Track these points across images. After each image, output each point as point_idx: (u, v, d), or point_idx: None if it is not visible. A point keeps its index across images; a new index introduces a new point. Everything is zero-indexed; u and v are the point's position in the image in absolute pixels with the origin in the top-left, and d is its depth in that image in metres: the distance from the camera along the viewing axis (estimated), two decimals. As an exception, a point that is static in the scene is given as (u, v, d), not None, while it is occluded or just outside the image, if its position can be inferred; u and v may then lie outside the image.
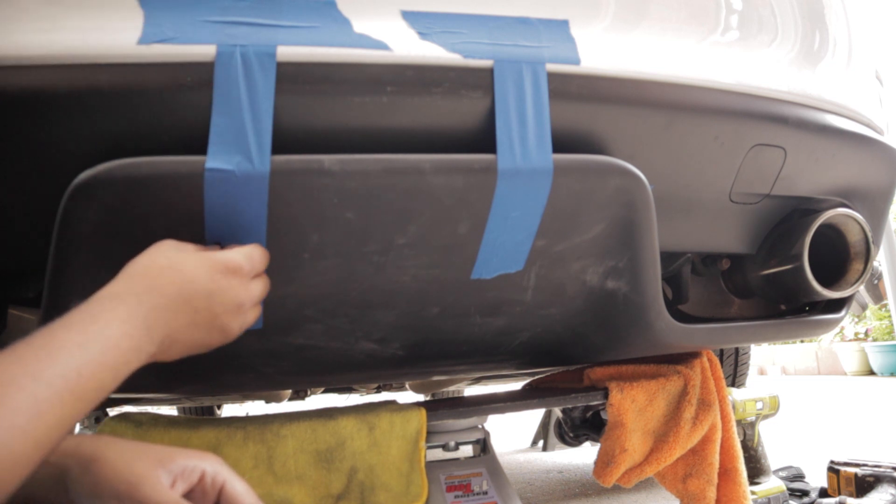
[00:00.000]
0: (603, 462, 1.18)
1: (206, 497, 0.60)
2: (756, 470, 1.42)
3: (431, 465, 1.11)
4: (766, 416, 1.46)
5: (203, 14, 0.67)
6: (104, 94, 0.65)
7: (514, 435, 3.35)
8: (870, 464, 1.41)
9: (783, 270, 1.04)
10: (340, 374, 1.09)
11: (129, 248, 0.70)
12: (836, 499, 1.35)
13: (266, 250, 0.67)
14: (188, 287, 0.58)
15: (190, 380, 0.97)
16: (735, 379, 1.94)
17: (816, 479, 1.69)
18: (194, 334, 0.60)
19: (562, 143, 0.77)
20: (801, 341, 7.12)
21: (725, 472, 1.21)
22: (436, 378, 2.05)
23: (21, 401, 0.41)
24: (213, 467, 0.61)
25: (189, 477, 0.59)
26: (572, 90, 0.77)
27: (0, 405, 0.40)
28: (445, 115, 0.74)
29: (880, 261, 3.99)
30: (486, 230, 0.78)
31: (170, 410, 2.90)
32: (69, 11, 0.65)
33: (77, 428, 2.18)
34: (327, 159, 0.68)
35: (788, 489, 1.55)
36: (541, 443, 2.87)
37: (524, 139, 0.73)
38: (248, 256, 0.64)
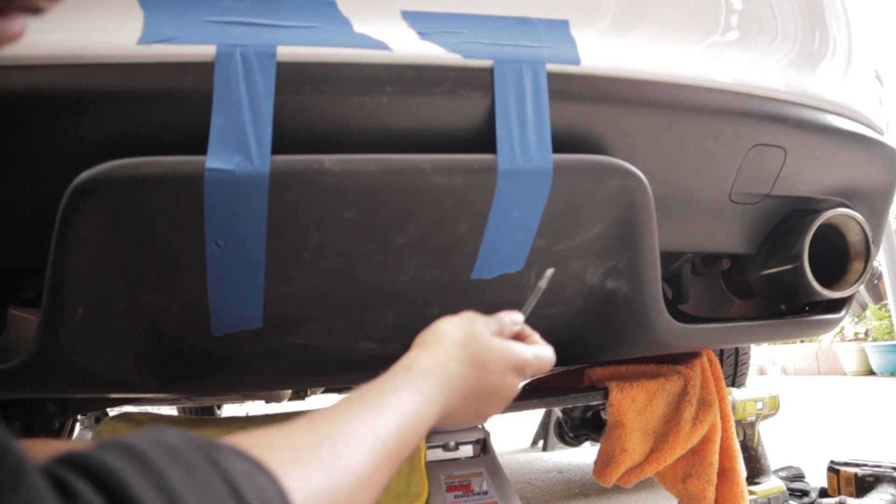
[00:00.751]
0: (603, 462, 1.18)
1: None
2: (756, 470, 1.42)
3: (431, 465, 1.11)
4: (766, 416, 1.46)
5: (203, 14, 0.67)
6: (104, 94, 0.65)
7: (514, 435, 3.35)
8: (870, 464, 1.41)
9: (783, 270, 1.04)
10: (340, 374, 1.08)
11: (129, 248, 0.70)
12: (837, 499, 1.35)
13: (547, 353, 0.67)
14: (487, 382, 0.59)
15: (190, 380, 0.97)
16: (735, 379, 1.94)
17: (816, 479, 1.69)
18: (465, 416, 0.61)
19: (562, 143, 0.76)
20: (801, 341, 7.12)
21: (724, 472, 1.21)
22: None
23: (364, 454, 0.43)
24: None
25: None
26: (572, 90, 0.77)
27: (347, 455, 0.41)
28: (445, 115, 0.74)
29: (880, 261, 3.99)
30: (487, 230, 0.78)
31: (170, 410, 2.90)
32: (69, 11, 0.65)
33: (77, 428, 2.18)
34: (327, 159, 0.68)
35: (788, 489, 1.55)
36: (541, 443, 2.87)
37: (524, 139, 0.73)
38: (537, 357, 0.64)
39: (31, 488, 0.25)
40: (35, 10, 0.32)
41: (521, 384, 0.66)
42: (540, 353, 0.65)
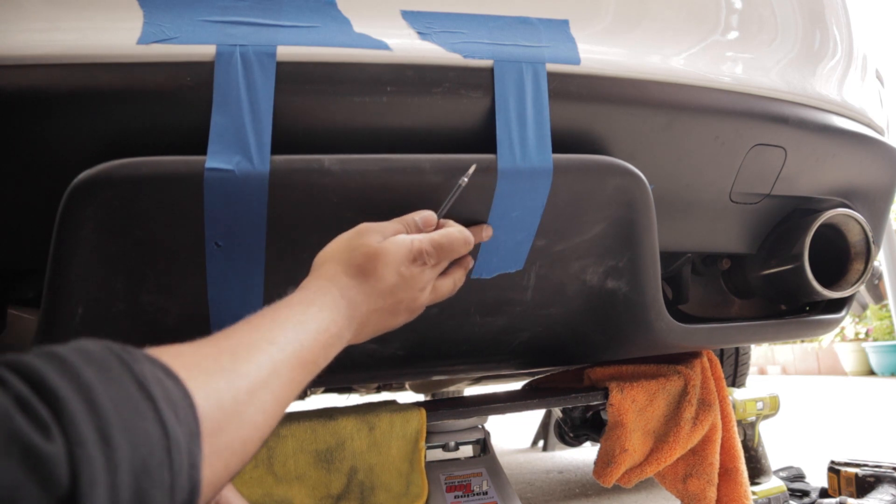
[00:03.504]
0: (603, 462, 1.18)
1: None
2: (756, 470, 1.42)
3: (431, 465, 1.11)
4: (766, 416, 1.46)
5: (203, 14, 0.67)
6: (104, 94, 0.65)
7: (514, 435, 3.35)
8: (870, 464, 1.41)
9: (783, 270, 1.04)
10: (340, 374, 1.08)
11: (129, 248, 0.70)
12: (837, 499, 1.35)
13: (451, 232, 0.67)
14: (384, 283, 0.62)
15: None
16: (735, 379, 1.93)
17: (817, 479, 1.68)
18: (384, 319, 0.64)
19: (562, 143, 0.76)
20: (802, 341, 7.11)
21: (726, 472, 1.21)
22: (436, 378, 2.05)
23: (262, 359, 0.47)
24: None
25: None
26: (572, 90, 0.77)
27: (246, 361, 0.46)
28: (445, 115, 0.74)
29: (880, 261, 3.99)
30: (486, 230, 0.78)
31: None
32: (69, 11, 0.65)
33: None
34: (327, 159, 0.68)
35: (789, 489, 1.55)
36: (541, 443, 2.87)
37: (524, 139, 0.73)
38: (434, 241, 0.65)
39: None
40: None
41: (431, 272, 0.66)
42: (440, 236, 0.66)
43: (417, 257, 0.63)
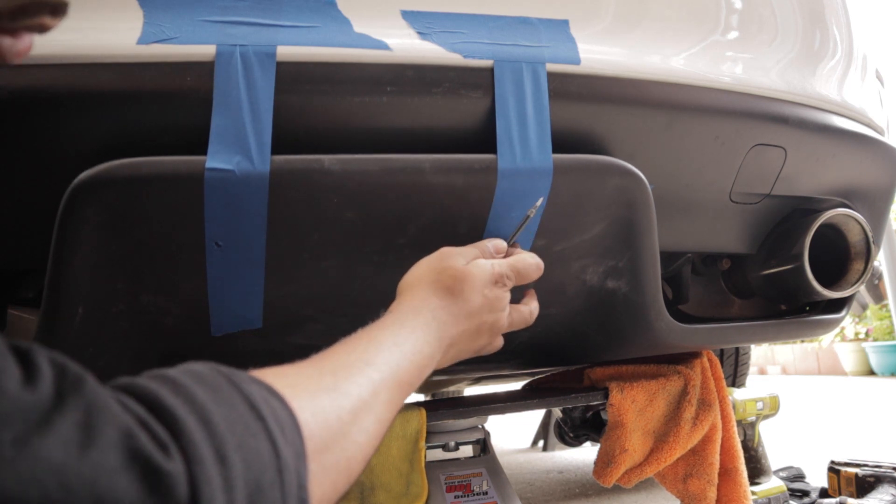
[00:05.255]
0: (603, 462, 1.18)
1: None
2: (756, 470, 1.42)
3: (431, 465, 1.11)
4: (766, 416, 1.46)
5: (203, 14, 0.67)
6: (104, 94, 0.65)
7: (514, 435, 3.35)
8: (870, 464, 1.41)
9: (783, 270, 1.04)
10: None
11: (129, 248, 0.70)
12: (837, 499, 1.35)
13: (525, 258, 0.71)
14: (470, 304, 0.64)
15: (190, 380, 0.97)
16: (735, 379, 1.93)
17: (817, 479, 1.69)
18: (468, 341, 0.66)
19: (562, 143, 0.76)
20: (802, 341, 7.11)
21: (726, 472, 1.21)
22: (436, 378, 2.05)
23: (361, 380, 0.47)
24: None
25: None
26: (572, 90, 0.77)
27: (346, 381, 0.46)
28: (445, 115, 0.74)
29: (880, 261, 3.99)
30: (487, 230, 0.78)
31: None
32: (68, 11, 0.65)
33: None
34: (327, 159, 0.68)
35: (789, 489, 1.55)
36: (541, 443, 2.87)
37: (524, 139, 0.73)
38: (513, 266, 0.69)
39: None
40: (41, 28, 0.35)
41: (507, 296, 0.70)
42: (515, 261, 0.70)
43: (499, 280, 0.67)
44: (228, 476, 0.32)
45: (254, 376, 0.40)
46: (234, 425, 0.34)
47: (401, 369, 0.52)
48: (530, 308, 0.74)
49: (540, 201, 0.73)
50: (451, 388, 2.73)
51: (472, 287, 0.64)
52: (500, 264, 0.68)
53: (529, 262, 0.70)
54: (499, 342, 0.71)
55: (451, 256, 0.66)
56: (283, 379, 0.42)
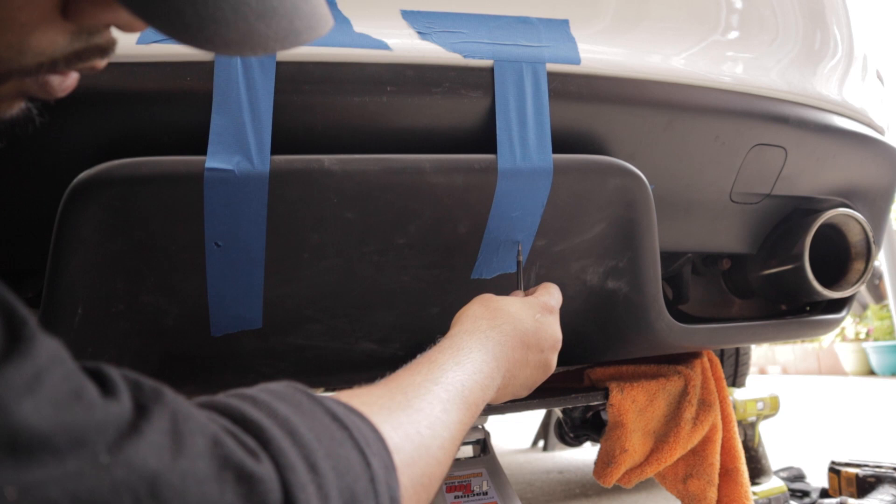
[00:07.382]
0: (603, 462, 1.18)
1: None
2: (757, 470, 1.42)
3: (431, 466, 1.11)
4: (766, 417, 1.46)
5: (203, 14, 0.67)
6: (103, 94, 0.65)
7: (514, 435, 3.35)
8: (871, 464, 1.41)
9: (784, 270, 1.04)
10: (340, 374, 1.08)
11: (129, 248, 0.70)
12: (837, 499, 1.34)
13: (553, 288, 0.76)
14: (520, 326, 0.65)
15: (190, 380, 0.97)
16: (735, 379, 1.93)
17: (817, 479, 1.68)
18: (525, 372, 0.67)
19: (562, 143, 0.76)
20: (802, 341, 7.11)
21: (727, 473, 1.21)
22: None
23: (431, 398, 0.48)
24: None
25: None
26: (573, 90, 0.77)
27: (416, 398, 0.47)
28: (445, 115, 0.74)
29: (881, 261, 3.98)
30: (487, 230, 0.78)
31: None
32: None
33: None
34: (327, 159, 0.68)
35: (789, 489, 1.55)
36: (541, 443, 2.86)
37: (524, 139, 0.73)
38: (558, 299, 0.74)
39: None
40: (92, 70, 0.36)
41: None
42: (543, 288, 0.75)
43: (545, 306, 0.70)
44: (322, 484, 0.31)
45: (330, 395, 0.40)
46: (321, 436, 0.34)
47: (465, 388, 0.53)
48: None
49: (520, 245, 0.79)
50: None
51: (521, 311, 0.66)
52: (538, 294, 0.72)
53: (552, 284, 0.75)
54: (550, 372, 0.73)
55: (491, 297, 0.69)
56: (356, 398, 0.42)
